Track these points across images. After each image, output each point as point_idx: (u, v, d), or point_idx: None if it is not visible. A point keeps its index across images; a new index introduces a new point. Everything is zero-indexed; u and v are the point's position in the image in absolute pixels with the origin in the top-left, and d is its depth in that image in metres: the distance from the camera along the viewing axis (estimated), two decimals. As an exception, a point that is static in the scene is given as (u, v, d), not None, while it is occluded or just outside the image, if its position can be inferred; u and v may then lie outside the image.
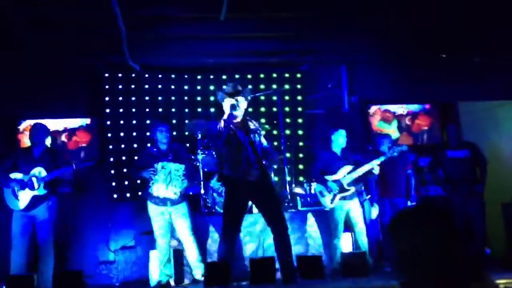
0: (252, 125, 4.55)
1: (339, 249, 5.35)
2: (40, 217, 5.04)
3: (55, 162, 5.12)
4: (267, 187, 4.45)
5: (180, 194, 5.05)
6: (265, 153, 4.52)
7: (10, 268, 4.93)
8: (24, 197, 4.96)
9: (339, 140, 5.70)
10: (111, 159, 6.77)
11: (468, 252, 1.58)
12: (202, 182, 5.83)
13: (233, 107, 4.34)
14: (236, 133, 4.38)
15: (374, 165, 5.52)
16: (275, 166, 6.11)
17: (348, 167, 5.58)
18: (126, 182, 6.75)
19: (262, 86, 7.12)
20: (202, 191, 5.82)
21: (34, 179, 4.96)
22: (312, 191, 5.99)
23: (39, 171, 4.99)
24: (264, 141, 4.60)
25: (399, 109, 7.57)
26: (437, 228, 1.58)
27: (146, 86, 7.01)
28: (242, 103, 4.45)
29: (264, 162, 4.44)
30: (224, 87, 4.59)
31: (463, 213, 5.92)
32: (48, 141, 5.51)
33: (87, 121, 6.88)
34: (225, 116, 4.34)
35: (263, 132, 4.74)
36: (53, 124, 6.59)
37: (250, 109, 6.97)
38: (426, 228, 1.58)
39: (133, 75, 6.95)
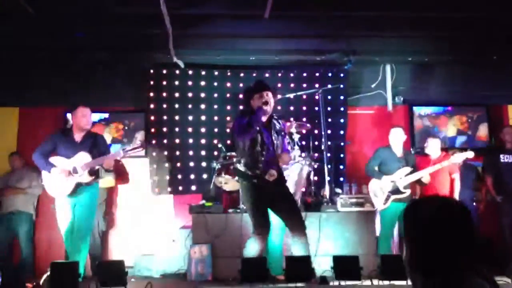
0: (278, 125, 4.49)
1: (384, 251, 5.26)
2: (82, 202, 4.86)
3: (97, 148, 4.96)
4: (283, 188, 4.44)
5: None
6: (282, 154, 4.49)
7: (65, 255, 4.94)
8: (68, 183, 4.80)
9: (396, 138, 5.63)
10: (154, 154, 6.90)
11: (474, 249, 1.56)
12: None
13: (265, 103, 4.31)
14: (261, 131, 4.34)
15: (427, 173, 5.42)
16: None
17: (407, 169, 5.48)
18: (167, 177, 6.87)
19: (304, 85, 7.08)
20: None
21: (78, 165, 4.79)
22: (366, 190, 5.90)
23: (84, 156, 4.82)
24: (286, 143, 4.56)
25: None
26: (453, 219, 1.57)
27: (190, 83, 7.10)
28: (272, 99, 4.40)
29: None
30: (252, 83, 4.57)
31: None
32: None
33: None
34: (255, 112, 4.29)
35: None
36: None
37: (291, 108, 7.02)
38: (442, 216, 1.58)
39: (177, 71, 7.06)
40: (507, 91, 7.12)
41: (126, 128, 7.05)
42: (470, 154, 5.53)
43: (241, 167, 4.40)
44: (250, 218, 4.42)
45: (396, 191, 5.43)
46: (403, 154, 5.64)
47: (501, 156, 5.96)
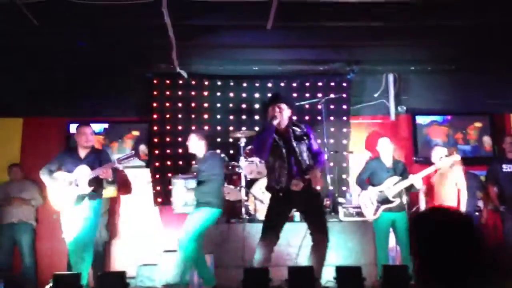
0: (299, 130, 4.46)
1: (382, 261, 5.24)
2: (84, 214, 4.92)
3: (100, 163, 5.04)
4: (311, 197, 4.39)
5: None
6: (313, 156, 4.45)
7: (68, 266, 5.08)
8: (70, 195, 4.92)
9: (384, 148, 5.64)
10: (157, 164, 6.90)
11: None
12: (243, 189, 5.85)
13: (275, 116, 4.32)
14: (279, 142, 4.35)
15: (418, 178, 5.40)
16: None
17: (395, 178, 5.48)
18: (171, 187, 6.85)
19: (307, 95, 7.08)
20: (244, 198, 5.85)
21: (78, 178, 4.92)
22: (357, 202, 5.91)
23: (83, 169, 4.94)
24: (314, 144, 4.50)
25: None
26: (461, 233, 1.54)
27: (193, 93, 7.12)
28: (286, 110, 4.43)
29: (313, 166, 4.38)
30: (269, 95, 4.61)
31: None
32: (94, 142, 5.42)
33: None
34: (270, 124, 4.32)
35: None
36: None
37: (294, 117, 6.99)
38: (450, 231, 1.55)
39: (180, 81, 7.09)
40: (509, 99, 7.10)
41: (128, 139, 7.06)
42: (456, 157, 5.50)
43: (270, 182, 4.43)
44: None
45: (385, 200, 5.45)
46: (392, 164, 5.64)
47: (503, 165, 5.92)
